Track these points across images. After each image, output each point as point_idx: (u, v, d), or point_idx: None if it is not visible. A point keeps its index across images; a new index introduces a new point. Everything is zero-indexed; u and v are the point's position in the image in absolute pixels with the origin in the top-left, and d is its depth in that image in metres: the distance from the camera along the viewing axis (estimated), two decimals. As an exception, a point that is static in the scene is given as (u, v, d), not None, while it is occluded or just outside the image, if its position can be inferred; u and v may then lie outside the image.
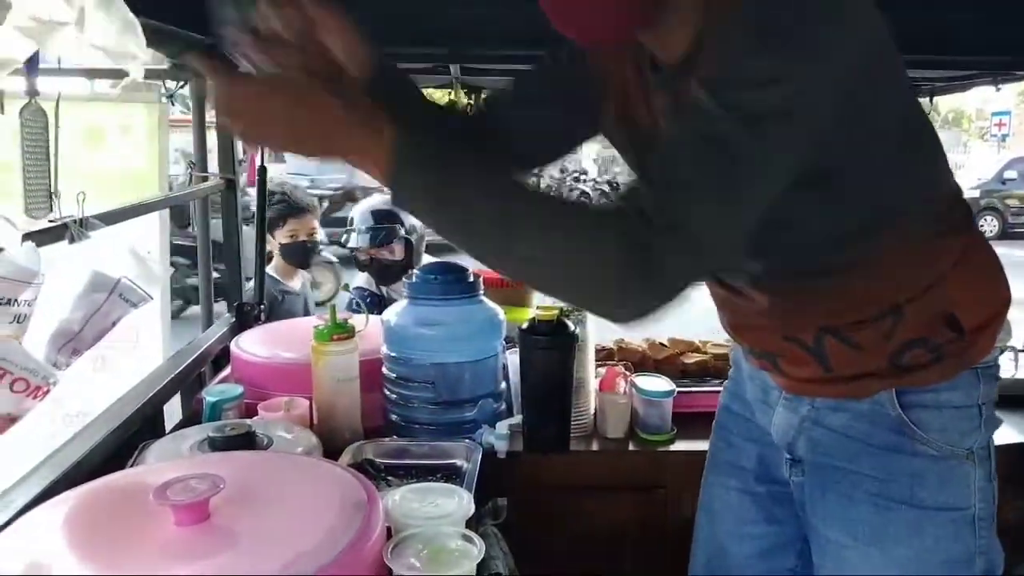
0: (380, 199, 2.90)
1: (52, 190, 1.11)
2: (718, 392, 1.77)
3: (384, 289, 2.83)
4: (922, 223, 1.02)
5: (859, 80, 0.87)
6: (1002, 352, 1.11)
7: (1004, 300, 1.08)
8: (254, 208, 2.39)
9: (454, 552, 0.94)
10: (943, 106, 22.97)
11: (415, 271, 1.62)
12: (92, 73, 2.14)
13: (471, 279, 1.59)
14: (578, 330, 1.56)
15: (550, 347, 1.51)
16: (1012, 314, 1.14)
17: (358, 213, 2.84)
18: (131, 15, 1.12)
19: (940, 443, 1.04)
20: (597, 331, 1.75)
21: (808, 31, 0.82)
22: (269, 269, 2.78)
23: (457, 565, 0.92)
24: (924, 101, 2.74)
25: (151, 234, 2.50)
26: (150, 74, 2.14)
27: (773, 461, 1.23)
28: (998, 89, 2.53)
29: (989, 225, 14.47)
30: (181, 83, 2.16)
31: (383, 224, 2.74)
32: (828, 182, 0.94)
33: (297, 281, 2.96)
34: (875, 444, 1.07)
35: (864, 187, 0.97)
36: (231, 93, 0.87)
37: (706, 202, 0.83)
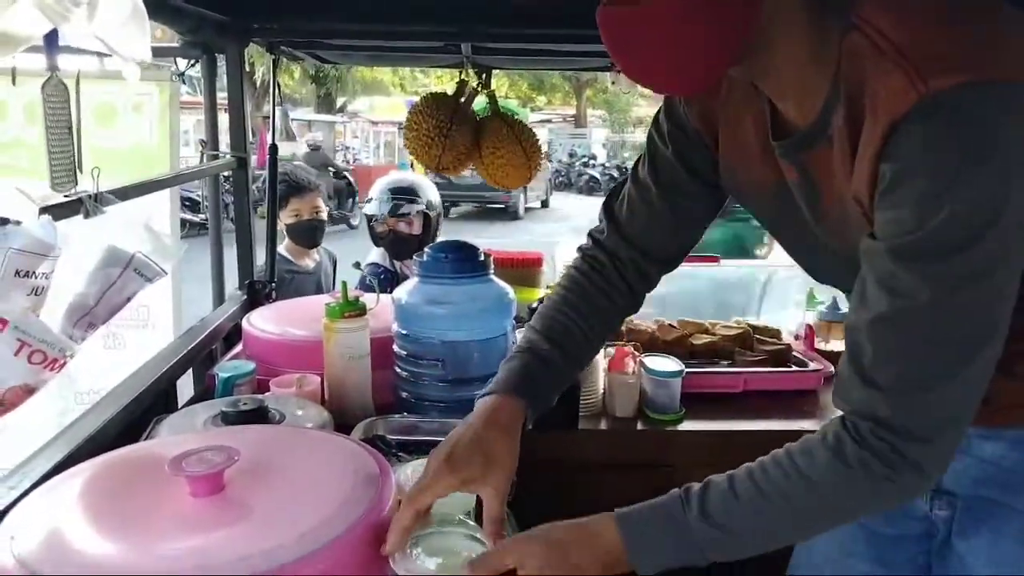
0: (398, 175, 2.94)
1: (76, 164, 1.11)
2: (727, 373, 1.79)
3: (398, 265, 2.85)
4: None
5: None
6: None
7: None
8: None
9: (466, 557, 0.90)
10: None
11: (427, 248, 1.62)
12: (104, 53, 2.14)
13: (481, 258, 1.59)
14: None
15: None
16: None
17: (378, 184, 2.88)
18: (141, 3, 1.12)
19: None
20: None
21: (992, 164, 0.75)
22: (281, 249, 2.79)
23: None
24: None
25: (161, 213, 2.51)
26: (162, 52, 2.14)
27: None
28: None
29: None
30: (192, 62, 2.16)
31: (402, 196, 2.77)
32: None
33: (309, 260, 2.96)
34: None
35: None
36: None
37: (946, 401, 0.82)
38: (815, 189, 0.95)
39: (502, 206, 15.36)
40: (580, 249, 1.22)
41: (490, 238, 10.25)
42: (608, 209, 1.20)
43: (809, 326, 2.02)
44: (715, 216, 1.20)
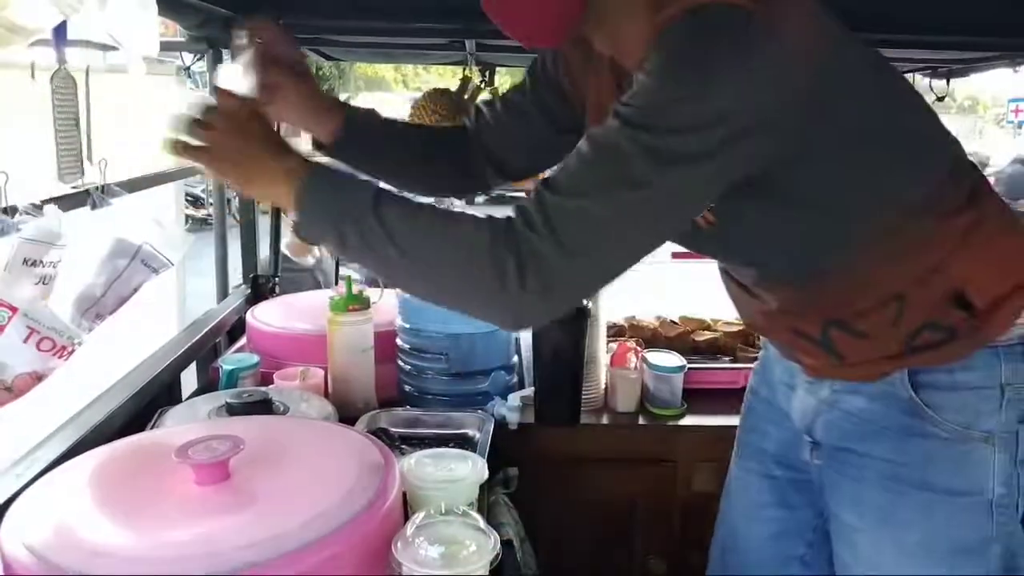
0: None
1: (84, 155, 1.12)
2: (729, 369, 1.80)
3: None
4: (911, 212, 0.99)
5: (796, 104, 0.88)
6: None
7: None
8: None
9: (468, 546, 0.88)
10: (959, 92, 22.72)
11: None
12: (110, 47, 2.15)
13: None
14: (590, 306, 1.57)
15: (563, 321, 1.52)
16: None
17: None
18: None
19: (954, 425, 1.01)
20: (608, 308, 1.76)
21: (728, 65, 0.84)
22: (281, 246, 2.79)
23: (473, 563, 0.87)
24: (940, 83, 2.72)
25: (166, 207, 2.52)
26: (168, 47, 2.15)
27: (794, 445, 1.21)
28: (1015, 71, 2.51)
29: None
30: (197, 56, 2.16)
31: None
32: (798, 195, 0.97)
33: (309, 258, 2.97)
34: (888, 426, 1.05)
35: (839, 194, 0.97)
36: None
37: (598, 228, 0.87)
38: None
39: (522, 193, 15.37)
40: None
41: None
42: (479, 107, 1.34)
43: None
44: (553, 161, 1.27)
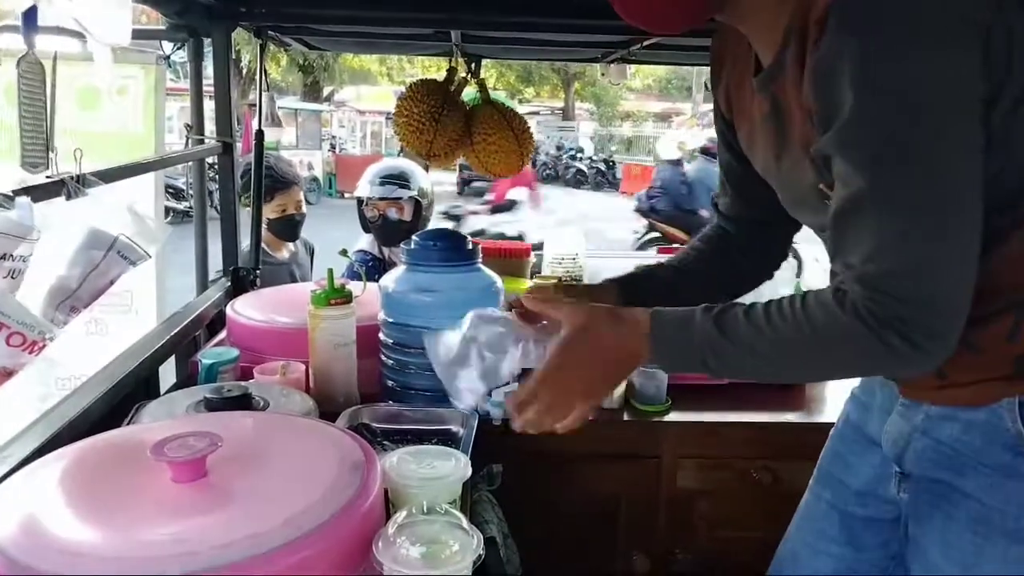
0: (391, 161, 2.93)
1: (48, 144, 1.09)
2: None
3: (387, 252, 2.83)
4: None
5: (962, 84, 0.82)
6: None
7: None
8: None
9: (451, 546, 0.86)
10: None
11: (415, 236, 1.61)
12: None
13: (469, 246, 1.58)
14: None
15: (548, 316, 1.50)
16: None
17: (370, 169, 2.86)
18: None
19: None
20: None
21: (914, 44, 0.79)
22: None
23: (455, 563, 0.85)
24: None
25: (145, 199, 2.48)
26: (147, 34, 2.11)
27: (880, 479, 1.12)
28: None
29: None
30: (178, 45, 2.13)
31: (393, 181, 2.76)
32: None
33: (285, 252, 2.94)
34: (986, 463, 0.94)
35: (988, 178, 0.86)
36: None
37: (925, 271, 0.82)
38: (781, 119, 1.00)
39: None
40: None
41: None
42: (713, 204, 1.35)
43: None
44: None
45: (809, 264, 2.71)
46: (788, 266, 1.91)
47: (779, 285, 2.19)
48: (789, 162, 1.02)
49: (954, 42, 0.80)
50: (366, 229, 2.88)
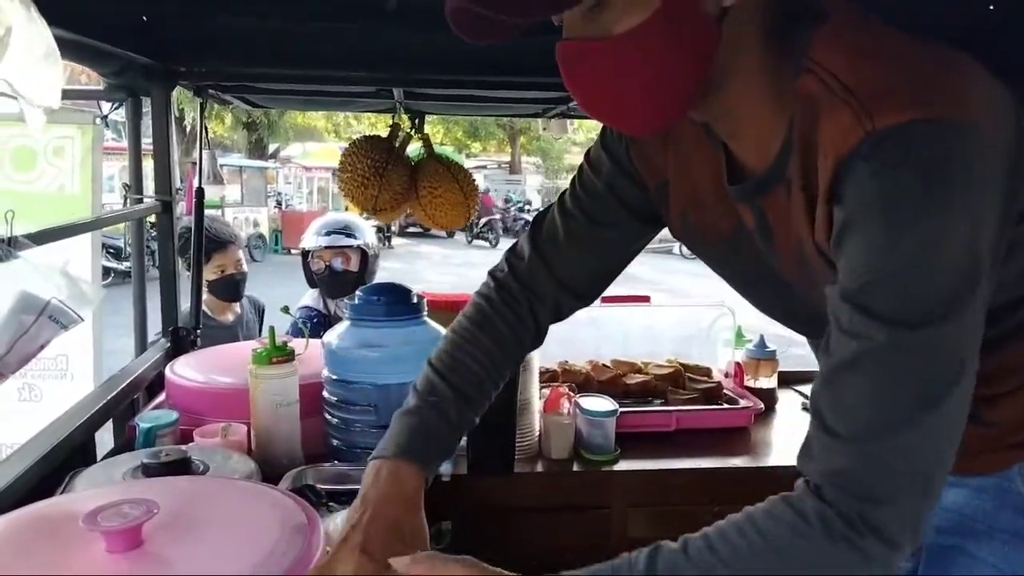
0: (337, 214, 2.93)
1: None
2: (660, 412, 1.81)
3: (332, 307, 2.80)
4: None
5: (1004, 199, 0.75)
6: None
7: None
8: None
9: None
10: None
11: (359, 291, 1.60)
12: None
13: (415, 300, 1.58)
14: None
15: (494, 368, 1.50)
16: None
17: (316, 221, 2.86)
18: (55, 45, 1.08)
19: None
20: (541, 353, 1.76)
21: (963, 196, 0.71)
22: None
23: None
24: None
25: (82, 259, 2.43)
26: (85, 94, 2.09)
27: None
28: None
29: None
30: (116, 105, 2.11)
31: (340, 232, 2.76)
32: None
33: (229, 314, 2.89)
34: (998, 528, 0.92)
35: (1011, 270, 0.83)
36: None
37: (909, 453, 0.73)
38: (771, 234, 0.92)
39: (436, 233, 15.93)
40: (493, 275, 1.18)
41: (424, 283, 10.20)
42: (533, 239, 1.16)
43: (738, 364, 2.06)
44: (638, 253, 1.18)
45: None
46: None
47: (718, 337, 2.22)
48: (773, 282, 0.97)
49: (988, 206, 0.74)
50: (312, 283, 2.86)
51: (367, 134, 2.25)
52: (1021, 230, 0.80)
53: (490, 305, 1.14)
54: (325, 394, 1.57)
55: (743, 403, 1.87)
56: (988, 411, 0.88)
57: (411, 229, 20.14)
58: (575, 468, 1.64)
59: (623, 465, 1.65)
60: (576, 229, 1.12)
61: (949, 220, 0.71)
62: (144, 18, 1.71)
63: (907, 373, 0.73)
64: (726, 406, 1.87)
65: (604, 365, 2.01)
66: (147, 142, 2.11)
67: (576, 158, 29.89)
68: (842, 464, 0.74)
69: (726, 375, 2.10)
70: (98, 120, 2.31)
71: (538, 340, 1.19)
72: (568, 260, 1.14)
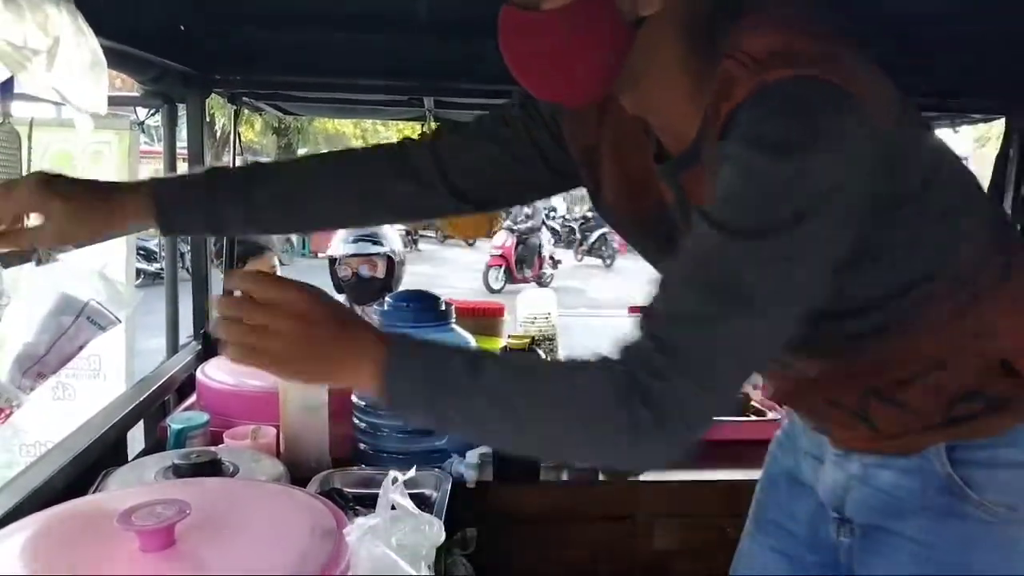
0: None
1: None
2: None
3: (360, 311, 2.83)
4: (957, 277, 0.93)
5: (875, 174, 0.82)
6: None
7: None
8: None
9: None
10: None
11: (387, 298, 1.62)
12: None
13: (443, 307, 1.59)
14: (549, 359, 1.56)
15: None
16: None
17: (342, 231, 2.87)
18: (101, 54, 1.11)
19: (997, 506, 0.94)
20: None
21: (825, 147, 0.77)
22: None
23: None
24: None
25: (117, 261, 2.47)
26: (122, 101, 2.13)
27: (820, 523, 1.13)
28: (956, 131, 2.60)
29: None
30: (152, 111, 2.15)
31: (366, 239, 2.77)
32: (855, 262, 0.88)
33: None
34: (923, 505, 0.98)
35: (890, 258, 0.91)
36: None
37: (717, 355, 0.78)
38: (688, 212, 0.94)
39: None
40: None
41: (451, 287, 10.25)
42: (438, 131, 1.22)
43: (766, 376, 2.04)
44: (529, 197, 1.24)
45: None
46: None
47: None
48: None
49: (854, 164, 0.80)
50: (339, 289, 2.88)
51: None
52: (900, 216, 0.87)
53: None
54: (354, 398, 1.59)
55: (771, 415, 1.86)
56: (901, 392, 0.95)
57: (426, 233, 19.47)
58: (600, 477, 1.64)
59: (649, 476, 1.64)
60: (479, 134, 1.17)
61: (808, 163, 0.77)
62: (182, 28, 1.74)
63: (723, 276, 0.78)
64: (753, 418, 1.86)
65: (630, 375, 2.01)
66: (180, 146, 2.15)
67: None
68: (642, 335, 0.80)
69: (754, 387, 2.09)
70: (134, 126, 2.36)
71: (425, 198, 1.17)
72: (462, 154, 1.16)
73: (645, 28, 0.89)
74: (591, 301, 10.26)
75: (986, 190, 2.24)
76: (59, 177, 1.02)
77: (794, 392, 1.11)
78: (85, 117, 1.09)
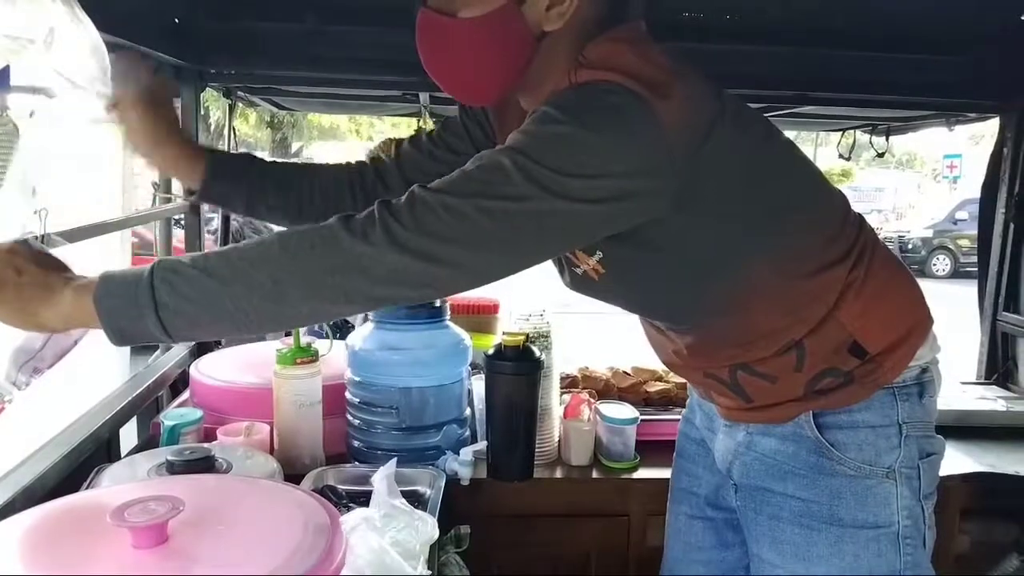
0: None
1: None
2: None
3: None
4: (798, 268, 1.06)
5: (673, 174, 0.93)
6: (924, 370, 1.13)
7: (916, 321, 1.12)
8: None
9: None
10: (898, 148, 23.59)
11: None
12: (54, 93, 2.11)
13: (438, 304, 1.59)
14: (544, 357, 1.56)
15: (515, 373, 1.51)
16: (955, 343, 1.19)
17: None
18: (100, 41, 1.11)
19: (857, 462, 1.08)
20: (562, 359, 1.76)
21: (612, 134, 0.90)
22: None
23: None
24: (880, 140, 2.82)
25: (112, 256, 2.46)
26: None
27: (722, 487, 1.27)
28: (950, 130, 2.61)
29: (941, 264, 14.84)
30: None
31: None
32: (678, 250, 1.03)
33: None
34: (799, 466, 1.12)
35: (719, 250, 1.04)
36: None
37: (442, 225, 0.90)
38: None
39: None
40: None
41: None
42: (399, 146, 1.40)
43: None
44: None
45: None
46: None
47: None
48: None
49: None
50: None
51: (391, 136, 2.26)
52: (728, 211, 1.01)
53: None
54: (347, 395, 1.58)
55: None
56: (761, 366, 1.10)
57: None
58: (595, 475, 1.65)
59: (643, 473, 1.65)
60: (433, 145, 1.38)
61: (580, 135, 0.90)
62: (176, 21, 1.73)
63: (493, 172, 0.91)
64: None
65: (625, 372, 2.01)
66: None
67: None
68: (403, 197, 0.92)
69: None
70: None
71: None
72: (424, 165, 1.36)
73: (547, 41, 1.02)
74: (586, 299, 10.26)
75: (981, 188, 2.27)
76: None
77: (678, 364, 1.23)
78: (95, 97, 1.09)
